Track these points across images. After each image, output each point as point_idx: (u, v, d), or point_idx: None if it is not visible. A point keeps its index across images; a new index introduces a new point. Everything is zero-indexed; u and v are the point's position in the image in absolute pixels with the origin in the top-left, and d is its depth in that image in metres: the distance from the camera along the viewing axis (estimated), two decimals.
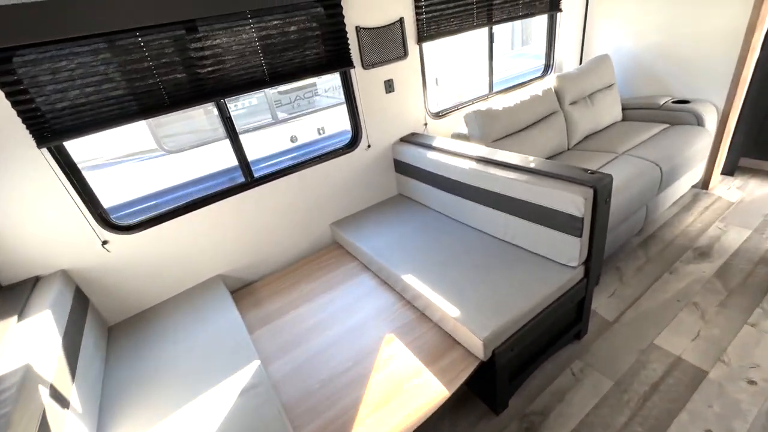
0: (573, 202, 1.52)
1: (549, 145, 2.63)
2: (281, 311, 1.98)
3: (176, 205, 1.97)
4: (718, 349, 1.84)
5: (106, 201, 1.84)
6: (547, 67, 3.31)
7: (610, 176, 1.55)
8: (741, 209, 2.75)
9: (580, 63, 3.47)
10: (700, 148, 2.61)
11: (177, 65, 1.70)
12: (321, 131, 4.02)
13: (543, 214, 1.67)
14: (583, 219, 1.53)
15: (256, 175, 2.17)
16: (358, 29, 2.13)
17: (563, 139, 2.74)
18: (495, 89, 3.07)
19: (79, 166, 1.72)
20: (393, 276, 1.92)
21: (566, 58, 3.36)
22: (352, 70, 2.21)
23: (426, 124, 2.69)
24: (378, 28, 2.20)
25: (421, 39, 2.40)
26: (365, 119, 2.38)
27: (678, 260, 2.42)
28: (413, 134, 2.59)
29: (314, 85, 5.65)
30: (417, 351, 1.58)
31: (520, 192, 1.73)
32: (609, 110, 2.96)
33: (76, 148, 1.71)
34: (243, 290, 2.23)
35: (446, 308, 1.60)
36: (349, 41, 2.13)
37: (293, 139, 4.01)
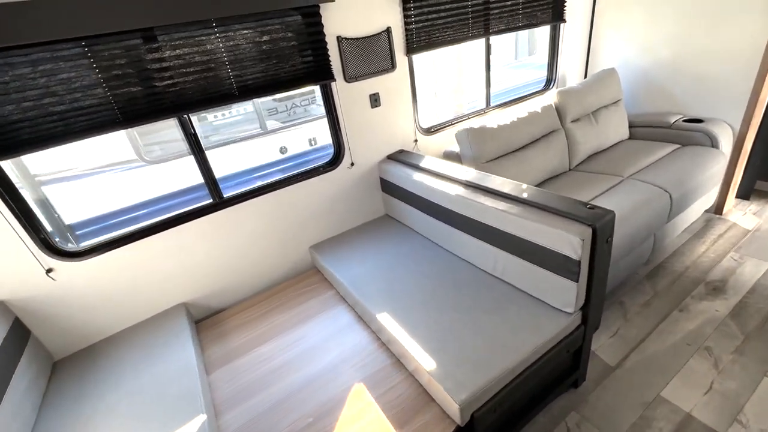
0: (569, 242, 1.32)
1: (548, 165, 2.43)
2: (246, 347, 1.79)
3: (132, 228, 1.80)
4: (735, 407, 1.62)
5: (70, 216, 1.67)
6: (550, 81, 3.12)
7: (612, 213, 1.35)
8: (758, 238, 2.52)
9: (585, 76, 3.27)
10: (713, 171, 2.40)
11: (131, 78, 1.53)
12: (313, 142, 3.84)
13: (535, 252, 1.48)
14: (579, 262, 1.33)
15: (227, 194, 2.00)
16: (339, 39, 1.96)
17: (564, 159, 2.54)
18: (493, 103, 2.88)
19: (49, 177, 1.56)
20: (368, 313, 1.73)
21: (570, 72, 3.17)
22: (332, 84, 2.04)
23: (416, 141, 2.51)
24: (362, 38, 2.03)
25: (410, 50, 2.22)
26: (348, 136, 2.21)
27: (689, 296, 2.20)
28: (401, 152, 2.40)
29: (312, 92, 5.50)
30: (387, 408, 1.38)
31: (510, 226, 1.54)
32: (615, 128, 2.76)
33: (46, 157, 1.55)
34: (210, 319, 2.04)
35: (421, 359, 1.40)
36: (329, 52, 1.96)
37: (283, 150, 3.85)
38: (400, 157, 2.33)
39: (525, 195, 1.57)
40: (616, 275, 2.06)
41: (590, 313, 1.50)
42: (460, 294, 1.70)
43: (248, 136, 3.96)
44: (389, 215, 2.52)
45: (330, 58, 1.97)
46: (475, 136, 2.19)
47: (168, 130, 3.70)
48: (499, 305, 1.59)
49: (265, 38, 1.76)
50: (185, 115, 1.75)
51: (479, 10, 2.39)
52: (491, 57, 2.73)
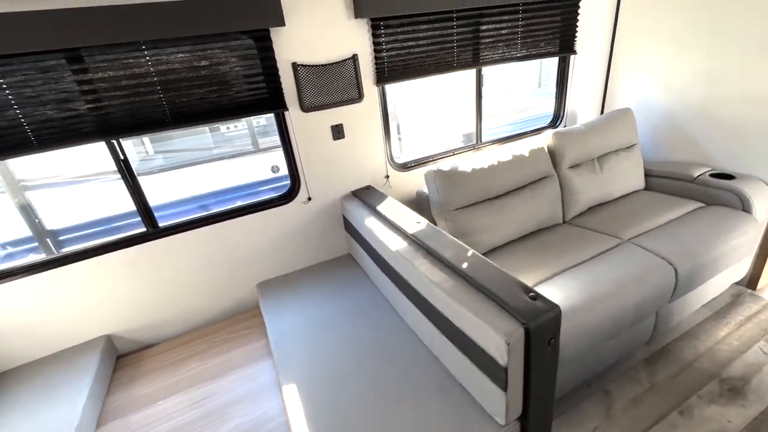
0: (494, 342, 1.03)
1: (534, 216, 2.10)
2: (150, 399, 1.61)
3: (51, 256, 1.69)
4: None
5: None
6: (557, 118, 2.79)
7: (556, 309, 1.05)
8: None
9: (602, 114, 2.91)
10: (743, 240, 1.97)
11: (47, 100, 1.44)
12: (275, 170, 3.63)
13: (464, 342, 1.19)
14: (506, 369, 1.03)
15: (163, 224, 1.87)
16: (295, 66, 1.79)
17: (556, 209, 2.20)
18: (490, 137, 2.60)
19: (32, 183, 1.49)
20: (278, 379, 1.50)
21: (584, 109, 2.82)
22: (286, 113, 1.87)
23: (387, 177, 2.28)
24: (323, 65, 1.85)
25: (381, 80, 2.02)
26: (304, 168, 2.02)
27: (695, 394, 1.78)
28: (368, 188, 2.18)
29: None
30: None
31: (439, 302, 1.26)
32: (626, 177, 2.38)
33: (33, 163, 1.49)
34: (134, 355, 1.90)
35: None
36: (282, 79, 1.79)
37: (275, 170, 3.72)
38: (363, 194, 2.11)
39: (465, 265, 1.29)
40: (601, 358, 1.71)
41: (530, 427, 1.18)
42: (389, 371, 1.43)
43: (238, 153, 3.89)
44: (352, 255, 2.29)
45: (282, 86, 1.80)
46: (444, 179, 1.93)
47: (180, 139, 3.70)
48: (425, 396, 1.31)
49: (203, 63, 1.63)
50: (114, 141, 1.64)
51: (467, 38, 2.15)
52: (510, 84, 2.46)
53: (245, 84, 1.73)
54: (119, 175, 1.72)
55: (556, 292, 1.61)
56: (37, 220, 2.90)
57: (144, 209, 1.80)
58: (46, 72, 1.41)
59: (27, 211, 2.86)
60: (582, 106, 2.81)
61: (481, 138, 2.56)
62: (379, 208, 1.87)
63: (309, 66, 1.83)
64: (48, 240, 2.99)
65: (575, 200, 2.24)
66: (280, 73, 1.78)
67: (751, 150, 2.17)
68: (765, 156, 2.12)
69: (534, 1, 2.22)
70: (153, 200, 1.82)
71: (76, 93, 1.47)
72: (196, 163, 3.91)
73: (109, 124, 1.56)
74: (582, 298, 1.55)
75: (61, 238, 3.00)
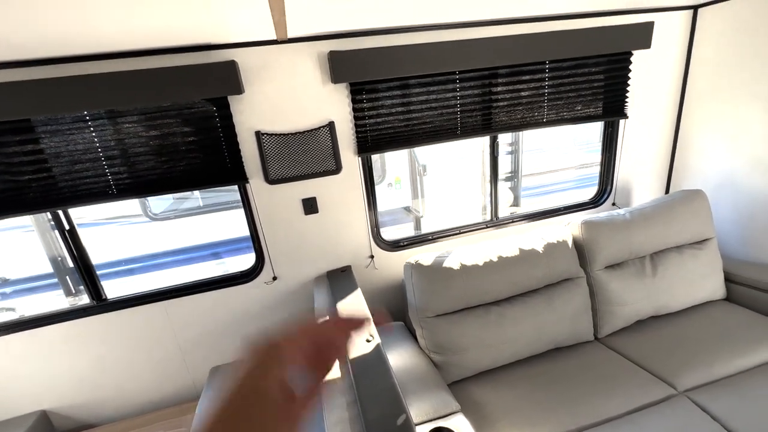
0: None
1: (548, 333, 1.58)
2: None
3: None
4: None
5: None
6: (602, 194, 2.24)
7: None
8: None
9: (667, 193, 2.29)
10: None
11: None
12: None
13: None
14: None
15: (112, 297, 1.73)
16: (259, 135, 1.59)
17: (584, 324, 1.65)
18: (509, 213, 2.15)
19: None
20: None
21: (641, 185, 2.23)
22: (248, 186, 1.66)
23: (372, 257, 1.93)
24: (292, 134, 1.63)
25: (364, 150, 1.73)
26: (269, 245, 1.77)
27: None
28: (345, 270, 1.86)
29: None
30: None
31: None
32: (692, 282, 1.75)
33: None
34: None
35: None
36: (244, 149, 1.60)
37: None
38: (337, 278, 1.79)
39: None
40: None
41: None
42: None
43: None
44: None
45: (243, 157, 1.61)
46: (422, 276, 1.53)
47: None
48: None
49: (153, 133, 1.49)
50: (58, 211, 1.55)
51: (474, 102, 1.79)
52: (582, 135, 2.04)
53: (200, 154, 1.56)
54: (64, 246, 1.62)
55: None
56: None
57: (89, 281, 1.68)
58: None
59: None
60: (640, 183, 2.23)
61: (497, 214, 2.11)
62: (339, 305, 1.53)
63: (275, 135, 1.61)
64: None
65: (612, 312, 1.67)
66: (242, 142, 1.59)
67: None
68: None
69: (565, 58, 1.81)
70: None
71: (18, 163, 1.40)
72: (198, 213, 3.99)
73: (52, 195, 1.47)
74: None
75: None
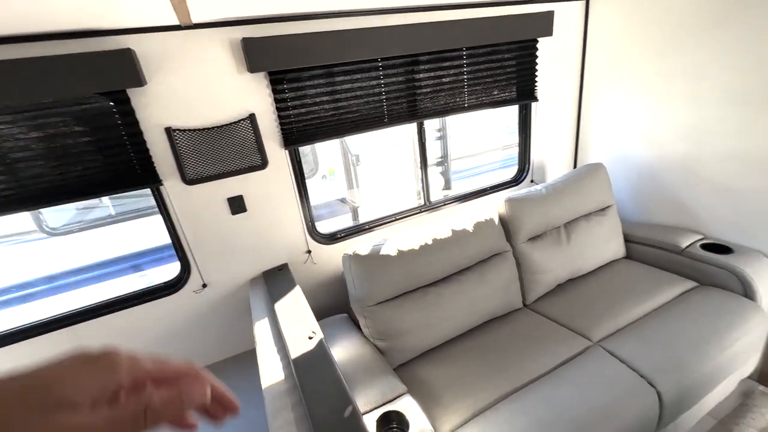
0: None
1: (483, 307, 1.69)
2: None
3: None
4: None
5: None
6: (521, 172, 2.42)
7: None
8: None
9: (575, 168, 2.54)
10: (747, 340, 1.54)
11: None
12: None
13: None
14: None
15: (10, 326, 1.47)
16: (170, 131, 1.45)
17: (514, 293, 1.79)
18: (440, 198, 2.23)
19: None
20: None
21: (554, 162, 2.45)
22: (162, 188, 1.51)
23: (309, 252, 1.89)
24: (208, 129, 1.51)
25: (290, 142, 1.67)
26: (194, 250, 1.64)
27: None
28: (282, 268, 1.79)
29: None
30: None
31: None
32: (599, 246, 1.98)
33: None
34: None
35: None
36: (151, 149, 1.44)
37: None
38: (274, 277, 1.73)
39: None
40: None
41: None
42: None
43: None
44: None
45: (153, 157, 1.45)
46: (360, 267, 1.54)
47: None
48: None
49: (34, 134, 1.28)
50: None
51: (399, 89, 1.81)
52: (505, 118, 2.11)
53: (100, 156, 1.38)
54: None
55: None
56: None
57: None
58: None
59: None
60: (552, 160, 2.45)
61: (429, 198, 2.18)
62: (278, 305, 1.47)
63: (189, 130, 1.48)
64: None
65: (536, 281, 1.83)
66: (149, 140, 1.43)
67: (748, 217, 1.77)
68: (765, 226, 1.72)
69: (480, 45, 1.90)
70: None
71: None
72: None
73: None
74: None
75: None
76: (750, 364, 1.77)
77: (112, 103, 1.35)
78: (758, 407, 1.78)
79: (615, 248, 2.05)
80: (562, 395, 1.29)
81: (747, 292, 1.65)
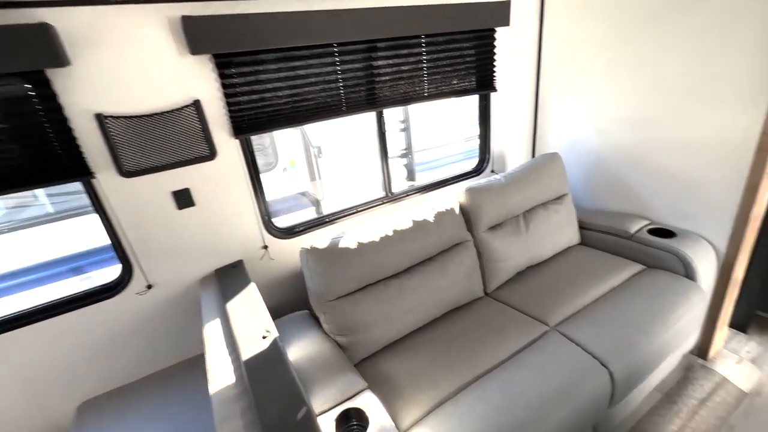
0: None
1: (445, 297, 1.68)
2: None
3: None
4: None
5: None
6: (482, 163, 2.44)
7: None
8: (760, 407, 1.71)
9: (533, 157, 2.60)
10: (689, 318, 1.63)
11: None
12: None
13: None
14: None
15: None
16: (101, 118, 1.31)
17: (475, 282, 1.80)
18: (402, 189, 2.20)
19: None
20: None
21: (514, 152, 2.49)
22: (94, 181, 1.37)
23: (266, 247, 1.80)
24: (147, 116, 1.38)
25: (241, 131, 1.57)
26: (136, 249, 1.51)
27: None
28: (236, 265, 1.70)
29: None
30: None
31: None
32: (556, 233, 2.04)
33: None
34: None
35: None
36: (78, 137, 1.30)
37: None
38: (227, 275, 1.63)
39: None
40: None
41: None
42: None
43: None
44: None
45: (82, 146, 1.31)
46: (318, 261, 1.48)
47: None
48: None
49: None
50: None
51: (357, 77, 1.75)
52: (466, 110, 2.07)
53: (16, 146, 1.22)
54: None
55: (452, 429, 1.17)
56: None
57: None
58: None
59: None
60: (512, 150, 2.49)
61: (391, 190, 2.15)
62: (230, 304, 1.38)
63: (124, 117, 1.34)
64: None
65: (497, 269, 1.85)
66: (77, 127, 1.29)
67: (691, 203, 1.88)
68: (706, 211, 1.83)
69: (438, 32, 1.87)
70: None
71: None
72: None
73: None
74: None
75: None
76: (691, 340, 1.90)
77: (29, 87, 1.19)
78: (698, 379, 1.92)
79: (570, 235, 2.11)
80: (520, 380, 1.31)
81: (688, 273, 1.75)
